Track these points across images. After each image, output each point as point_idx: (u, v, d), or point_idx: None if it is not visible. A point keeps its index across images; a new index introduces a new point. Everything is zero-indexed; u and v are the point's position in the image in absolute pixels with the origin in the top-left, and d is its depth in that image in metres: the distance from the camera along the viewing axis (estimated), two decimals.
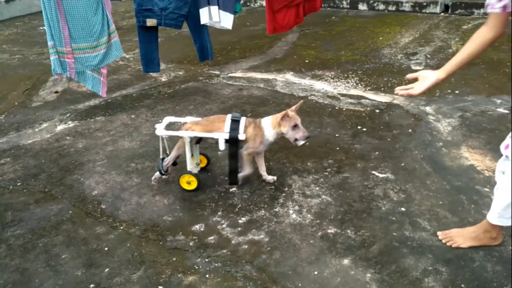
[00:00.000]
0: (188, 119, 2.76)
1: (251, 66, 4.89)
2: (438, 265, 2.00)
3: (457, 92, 3.80)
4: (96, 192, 2.75)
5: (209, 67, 4.90)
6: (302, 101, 2.72)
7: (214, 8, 3.89)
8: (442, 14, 6.40)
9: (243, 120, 2.54)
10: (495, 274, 1.94)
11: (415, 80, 1.89)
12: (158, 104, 4.02)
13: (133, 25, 4.04)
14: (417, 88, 1.82)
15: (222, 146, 2.54)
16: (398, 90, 1.89)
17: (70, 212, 2.58)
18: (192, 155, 2.66)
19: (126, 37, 6.24)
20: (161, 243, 2.29)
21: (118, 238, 2.34)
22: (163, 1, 3.79)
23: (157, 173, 2.75)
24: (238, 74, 4.67)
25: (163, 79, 4.66)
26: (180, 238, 2.31)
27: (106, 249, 2.27)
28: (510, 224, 1.94)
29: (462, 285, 1.89)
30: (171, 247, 2.25)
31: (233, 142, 2.52)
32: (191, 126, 2.60)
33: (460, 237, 2.11)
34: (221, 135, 2.52)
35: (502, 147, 1.85)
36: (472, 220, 2.26)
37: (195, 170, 2.72)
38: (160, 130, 2.63)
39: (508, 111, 3.36)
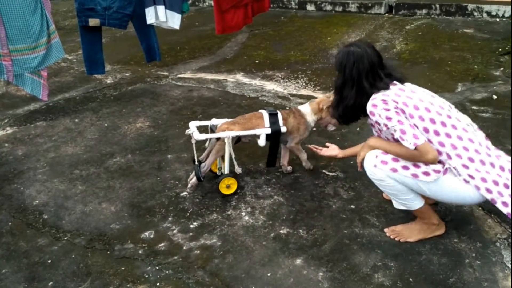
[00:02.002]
0: (215, 121, 2.68)
1: (200, 66, 4.83)
2: (387, 260, 2.05)
3: None
4: (37, 201, 2.60)
5: (157, 68, 4.79)
6: None
7: (161, 8, 3.81)
8: (387, 14, 6.62)
9: (279, 114, 2.59)
10: (441, 266, 2.00)
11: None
12: (103, 107, 3.87)
13: (76, 25, 3.86)
14: (323, 152, 2.48)
15: (263, 142, 2.53)
16: (311, 146, 2.58)
17: (10, 223, 2.42)
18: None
19: (68, 38, 5.99)
20: (108, 252, 2.19)
21: (62, 250, 2.22)
22: (106, 0, 3.66)
23: (194, 180, 2.59)
24: (188, 75, 4.59)
25: (108, 81, 4.50)
26: (129, 247, 2.22)
27: (49, 261, 2.14)
28: (412, 208, 2.10)
29: (410, 279, 1.94)
30: (119, 256, 2.16)
31: (275, 136, 2.56)
32: (229, 126, 2.53)
33: (407, 230, 2.18)
34: (264, 131, 2.52)
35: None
36: None
37: (239, 170, 2.62)
38: (198, 134, 2.51)
39: None
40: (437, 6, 6.25)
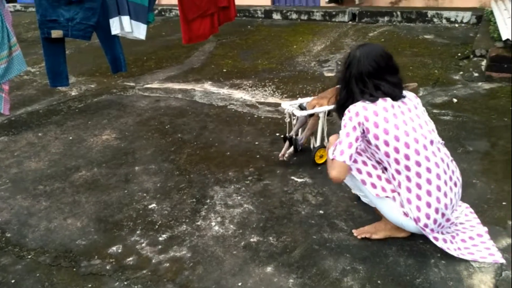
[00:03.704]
0: (302, 100, 2.92)
1: (168, 76, 4.80)
2: (356, 263, 2.08)
3: None
4: None
5: (123, 79, 4.73)
6: None
7: (126, 18, 3.77)
8: (350, 22, 6.77)
9: None
10: (407, 267, 2.05)
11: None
12: (68, 120, 3.79)
13: (39, 37, 3.77)
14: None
15: None
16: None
17: None
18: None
19: (31, 50, 5.85)
20: (74, 269, 2.14)
21: (26, 268, 2.15)
22: (69, 11, 3.60)
23: (291, 150, 2.88)
24: (155, 85, 4.56)
25: (73, 93, 4.41)
26: (96, 262, 2.17)
27: (12, 281, 2.07)
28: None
29: (379, 281, 1.97)
30: (86, 273, 2.11)
31: None
32: (319, 101, 2.67)
33: (372, 229, 2.25)
34: None
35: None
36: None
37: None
38: (299, 111, 2.77)
39: None
40: (399, 13, 6.44)
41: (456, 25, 6.08)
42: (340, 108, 2.15)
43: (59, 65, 3.82)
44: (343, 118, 2.03)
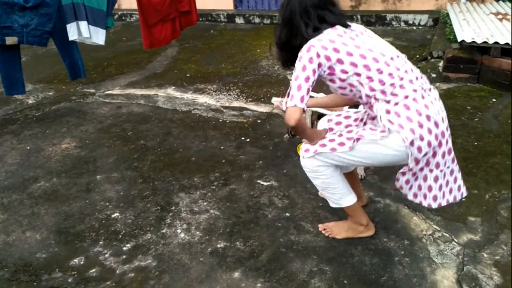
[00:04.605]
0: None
1: (129, 82, 4.70)
2: (322, 265, 2.09)
3: None
4: None
5: (82, 86, 4.60)
6: None
7: (83, 23, 3.69)
8: None
9: None
10: (373, 266, 2.08)
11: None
12: (25, 129, 3.64)
13: None
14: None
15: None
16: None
17: None
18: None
19: None
20: (35, 283, 2.05)
21: None
22: (24, 17, 3.48)
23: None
24: (116, 91, 4.46)
25: (30, 101, 4.25)
26: (57, 276, 2.09)
27: None
28: (344, 205, 2.17)
29: (345, 281, 1.99)
30: (47, 287, 2.03)
31: None
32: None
33: (336, 228, 2.28)
34: None
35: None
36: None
37: None
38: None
39: None
40: (359, 16, 6.58)
41: (414, 27, 6.27)
42: (283, 51, 2.02)
43: (14, 72, 3.68)
44: (296, 62, 1.86)
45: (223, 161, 3.08)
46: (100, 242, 2.31)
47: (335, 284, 1.98)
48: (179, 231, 2.38)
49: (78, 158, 3.17)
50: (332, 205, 2.22)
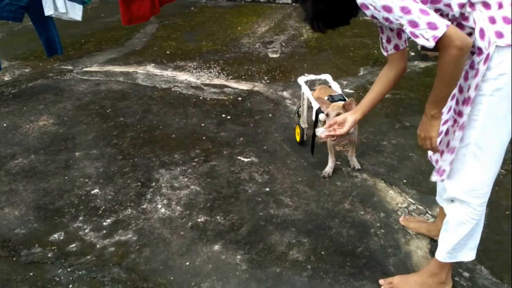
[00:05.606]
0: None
1: (108, 59, 4.62)
2: (301, 237, 2.14)
3: None
4: None
5: (60, 62, 4.50)
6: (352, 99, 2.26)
7: None
8: (294, 4, 6.81)
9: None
10: (349, 238, 2.14)
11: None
12: (1, 106, 3.57)
13: None
14: (342, 131, 1.76)
15: None
16: (325, 134, 1.81)
17: None
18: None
19: None
20: (14, 259, 2.05)
21: None
22: None
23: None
24: (94, 68, 4.38)
25: (6, 78, 4.14)
26: (37, 251, 2.09)
27: None
28: (462, 259, 1.73)
29: (322, 252, 2.05)
30: (27, 262, 2.03)
31: None
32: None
33: (406, 285, 1.85)
34: None
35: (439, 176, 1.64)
36: (328, 192, 2.46)
37: (304, 125, 2.86)
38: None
39: (353, 91, 3.72)
40: None
41: None
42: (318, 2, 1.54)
43: None
44: (370, 3, 1.39)
45: (204, 138, 3.08)
46: (80, 218, 2.31)
47: (313, 255, 2.03)
48: (159, 206, 2.40)
49: (56, 135, 3.13)
50: (442, 257, 1.73)
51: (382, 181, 2.53)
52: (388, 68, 1.74)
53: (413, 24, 1.32)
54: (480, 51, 1.38)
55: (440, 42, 1.30)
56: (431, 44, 1.30)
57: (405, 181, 2.53)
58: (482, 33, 1.37)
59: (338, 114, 2.17)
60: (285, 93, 3.75)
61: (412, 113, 3.23)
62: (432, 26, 1.28)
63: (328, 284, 1.88)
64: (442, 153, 1.60)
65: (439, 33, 1.28)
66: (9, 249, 2.11)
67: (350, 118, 1.77)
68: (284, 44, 5.00)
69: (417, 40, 1.33)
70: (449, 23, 1.29)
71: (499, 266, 1.95)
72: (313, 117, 2.53)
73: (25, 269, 1.99)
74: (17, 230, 2.23)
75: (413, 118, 3.14)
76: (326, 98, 2.44)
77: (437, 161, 1.67)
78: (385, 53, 1.73)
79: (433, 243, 2.08)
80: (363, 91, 3.68)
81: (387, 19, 1.38)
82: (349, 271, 1.95)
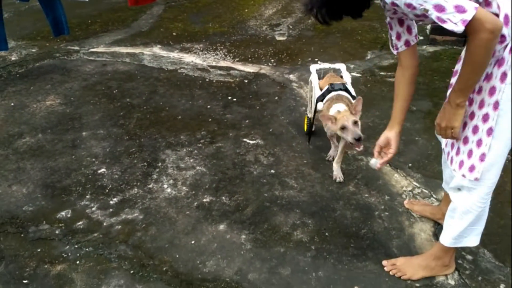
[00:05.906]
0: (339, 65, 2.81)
1: (114, 40, 4.61)
2: (305, 218, 2.16)
3: (316, 59, 4.06)
4: None
5: (66, 43, 4.50)
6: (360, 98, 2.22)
7: None
8: None
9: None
10: (353, 220, 2.15)
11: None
12: (8, 85, 3.58)
13: None
14: (392, 150, 1.72)
15: None
16: (380, 163, 1.75)
17: None
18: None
19: None
20: (22, 235, 2.09)
21: None
22: None
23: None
24: (101, 49, 4.37)
25: (13, 58, 4.15)
26: (44, 228, 2.12)
27: None
28: (467, 245, 1.73)
29: (326, 233, 2.07)
30: (35, 238, 2.06)
31: None
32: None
33: (409, 267, 1.85)
34: None
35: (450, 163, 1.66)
36: (332, 174, 2.46)
37: (310, 115, 2.73)
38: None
39: (360, 75, 3.70)
40: None
41: None
42: None
43: None
44: None
45: (210, 120, 3.09)
46: (87, 196, 2.34)
47: (317, 236, 2.05)
48: (165, 186, 2.42)
49: (63, 114, 3.14)
50: (447, 242, 1.74)
51: (387, 165, 2.53)
52: (401, 70, 1.69)
53: (439, 8, 1.24)
54: (503, 38, 1.34)
55: (470, 26, 1.23)
56: (460, 28, 1.23)
57: (410, 164, 2.54)
58: (506, 19, 1.33)
59: (355, 122, 2.12)
60: (291, 76, 3.73)
61: (419, 97, 3.21)
62: (460, 9, 1.21)
63: (331, 265, 1.90)
64: (470, 152, 1.54)
65: (468, 16, 1.21)
66: (17, 225, 2.15)
67: (391, 134, 1.70)
68: (291, 26, 4.95)
69: (444, 25, 1.26)
70: (477, 5, 1.22)
71: (502, 250, 1.96)
72: (312, 106, 2.53)
73: (33, 245, 2.03)
74: (25, 207, 2.26)
75: (420, 103, 3.12)
76: (326, 87, 2.42)
77: (450, 155, 1.64)
78: (395, 52, 1.67)
79: (437, 226, 2.09)
80: (370, 74, 3.65)
81: (409, 5, 1.30)
82: (353, 252, 1.97)
